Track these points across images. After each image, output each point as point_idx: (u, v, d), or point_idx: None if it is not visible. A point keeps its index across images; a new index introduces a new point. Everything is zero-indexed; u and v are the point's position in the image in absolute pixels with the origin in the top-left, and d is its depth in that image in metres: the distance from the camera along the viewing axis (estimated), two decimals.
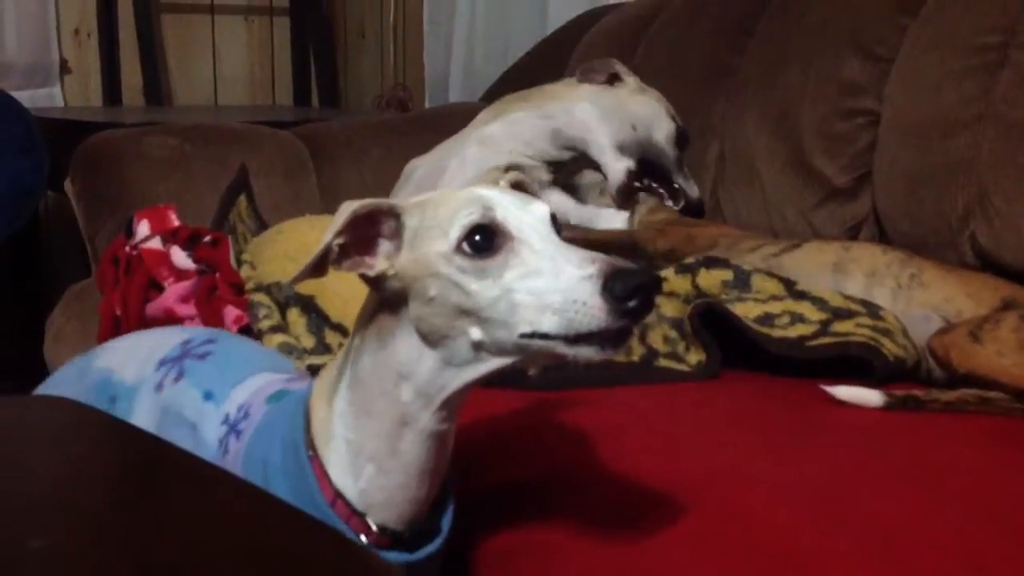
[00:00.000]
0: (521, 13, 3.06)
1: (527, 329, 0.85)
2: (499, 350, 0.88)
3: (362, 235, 0.90)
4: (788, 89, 1.94)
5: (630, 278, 0.82)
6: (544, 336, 0.84)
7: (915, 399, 1.32)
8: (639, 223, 1.92)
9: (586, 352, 0.85)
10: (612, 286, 0.82)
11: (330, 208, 1.91)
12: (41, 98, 3.42)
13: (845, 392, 1.32)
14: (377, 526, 0.95)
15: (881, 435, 1.25)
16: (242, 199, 1.98)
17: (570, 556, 1.06)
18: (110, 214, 2.12)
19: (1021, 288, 1.48)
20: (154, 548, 0.71)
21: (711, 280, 1.54)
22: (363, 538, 0.95)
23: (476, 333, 0.87)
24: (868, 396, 1.31)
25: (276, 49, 3.91)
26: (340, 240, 0.89)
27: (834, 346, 1.40)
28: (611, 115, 1.99)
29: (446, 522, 1.00)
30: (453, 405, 0.93)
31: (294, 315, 1.52)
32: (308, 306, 1.52)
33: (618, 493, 1.11)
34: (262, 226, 1.96)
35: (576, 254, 0.85)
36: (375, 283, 0.92)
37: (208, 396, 1.07)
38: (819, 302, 1.47)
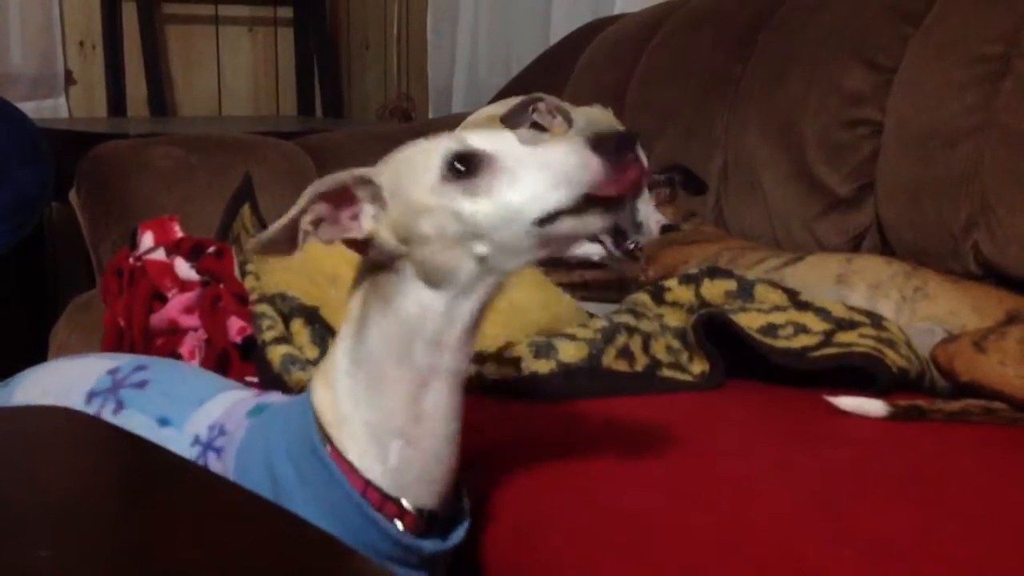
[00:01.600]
0: (524, 23, 3.07)
1: (538, 214, 0.89)
2: (508, 253, 0.91)
3: (339, 206, 0.93)
4: (790, 99, 1.94)
5: (611, 135, 0.89)
6: (555, 216, 0.89)
7: (919, 409, 1.32)
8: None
9: (593, 221, 0.90)
10: (599, 145, 0.88)
11: None
12: (46, 109, 3.43)
13: (848, 402, 1.32)
14: (414, 508, 0.95)
15: (885, 445, 1.25)
16: (246, 208, 1.98)
17: (571, 563, 1.06)
18: (115, 225, 2.12)
19: None
20: (160, 557, 0.71)
21: (715, 290, 1.54)
22: (399, 524, 0.94)
23: (480, 247, 0.90)
24: (871, 406, 1.31)
25: (280, 60, 3.91)
26: (309, 218, 0.91)
27: (837, 357, 1.40)
28: None
29: (467, 504, 1.01)
30: (466, 340, 0.94)
31: (297, 326, 1.52)
32: (312, 317, 1.52)
33: (621, 503, 1.11)
34: None
35: (554, 140, 0.92)
36: (366, 247, 0.94)
37: (164, 422, 1.06)
38: (822, 312, 1.47)
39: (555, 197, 0.88)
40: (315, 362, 1.46)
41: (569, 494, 1.15)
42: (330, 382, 0.96)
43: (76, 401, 1.10)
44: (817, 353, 1.41)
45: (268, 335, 1.50)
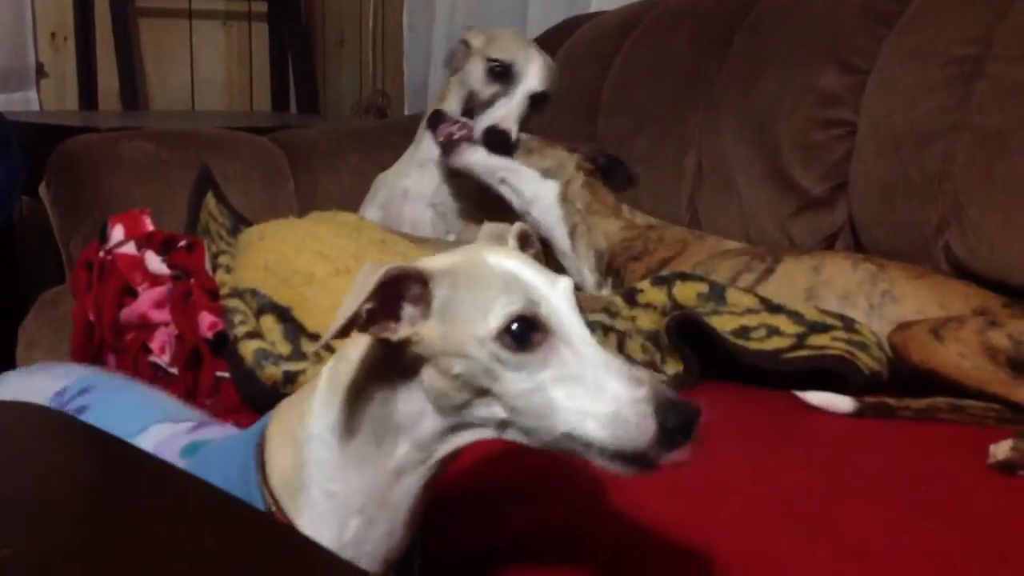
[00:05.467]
0: (500, 20, 3.07)
1: (567, 430, 0.82)
2: (525, 433, 0.85)
3: (386, 297, 0.85)
4: (765, 99, 1.95)
5: (683, 412, 0.80)
6: (586, 443, 0.82)
7: (886, 406, 1.32)
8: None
9: (618, 469, 0.82)
10: (664, 416, 0.80)
11: (307, 215, 1.91)
12: (17, 102, 3.40)
13: (817, 398, 1.33)
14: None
15: (854, 444, 1.26)
16: (210, 197, 1.95)
17: (540, 565, 1.06)
18: (85, 219, 2.10)
19: (994, 297, 1.50)
20: (126, 556, 0.70)
21: (687, 292, 1.55)
22: None
23: (501, 412, 0.85)
24: (839, 402, 1.32)
25: (254, 54, 3.90)
26: (369, 306, 0.84)
27: (810, 359, 1.41)
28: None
29: (416, 552, 0.97)
30: (455, 455, 0.90)
31: (269, 322, 1.51)
32: (284, 316, 1.51)
33: (590, 502, 1.11)
34: (238, 220, 1.93)
35: (620, 368, 0.83)
36: (392, 346, 0.87)
37: None
38: (795, 316, 1.47)
39: (598, 434, 0.81)
40: (288, 358, 1.45)
41: (537, 492, 1.14)
42: (298, 445, 0.91)
43: None
44: (790, 355, 1.42)
45: (240, 330, 1.49)
